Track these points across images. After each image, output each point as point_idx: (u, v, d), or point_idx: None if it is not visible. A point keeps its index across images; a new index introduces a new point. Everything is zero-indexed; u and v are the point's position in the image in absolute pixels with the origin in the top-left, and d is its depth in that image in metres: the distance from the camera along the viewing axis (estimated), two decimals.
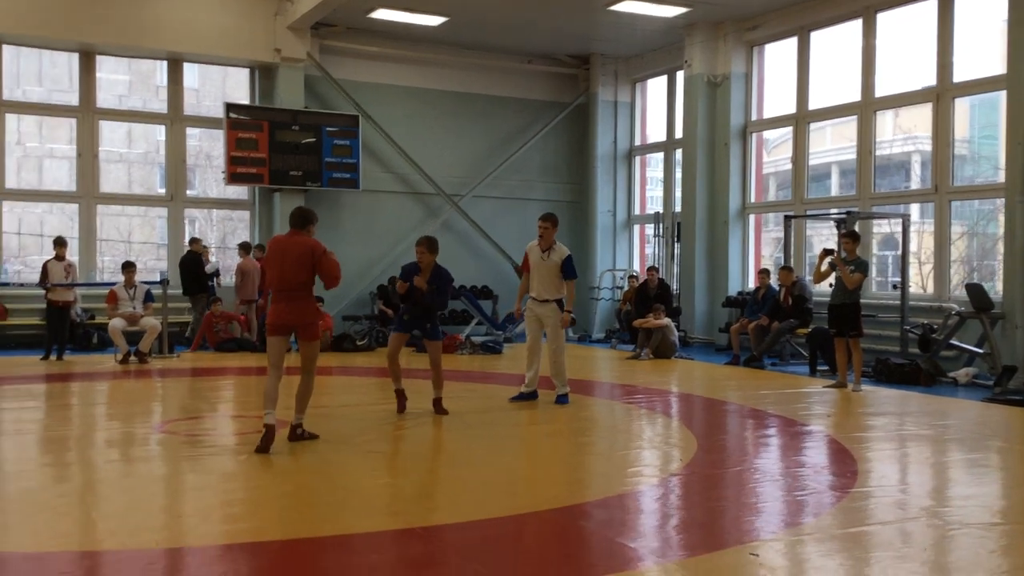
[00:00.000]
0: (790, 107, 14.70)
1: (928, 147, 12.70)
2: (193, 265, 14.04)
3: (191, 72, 17.65)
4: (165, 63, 15.63)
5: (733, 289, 15.27)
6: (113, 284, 12.73)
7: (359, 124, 15.64)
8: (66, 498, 5.26)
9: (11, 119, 15.87)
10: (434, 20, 14.99)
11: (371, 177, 16.00)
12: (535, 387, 8.87)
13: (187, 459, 6.40)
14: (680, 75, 16.28)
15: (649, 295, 14.25)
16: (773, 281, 13.00)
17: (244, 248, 14.45)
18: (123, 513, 4.95)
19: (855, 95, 13.57)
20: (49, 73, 20.90)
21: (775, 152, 17.69)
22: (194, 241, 14.40)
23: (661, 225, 16.96)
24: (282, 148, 14.99)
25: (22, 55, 19.50)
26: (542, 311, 8.72)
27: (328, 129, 15.37)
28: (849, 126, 13.85)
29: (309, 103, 15.56)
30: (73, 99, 15.08)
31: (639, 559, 4.21)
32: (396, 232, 16.41)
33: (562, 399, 8.74)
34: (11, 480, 5.75)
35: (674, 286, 15.95)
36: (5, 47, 14.51)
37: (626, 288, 16.20)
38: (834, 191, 16.92)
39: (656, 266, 15.62)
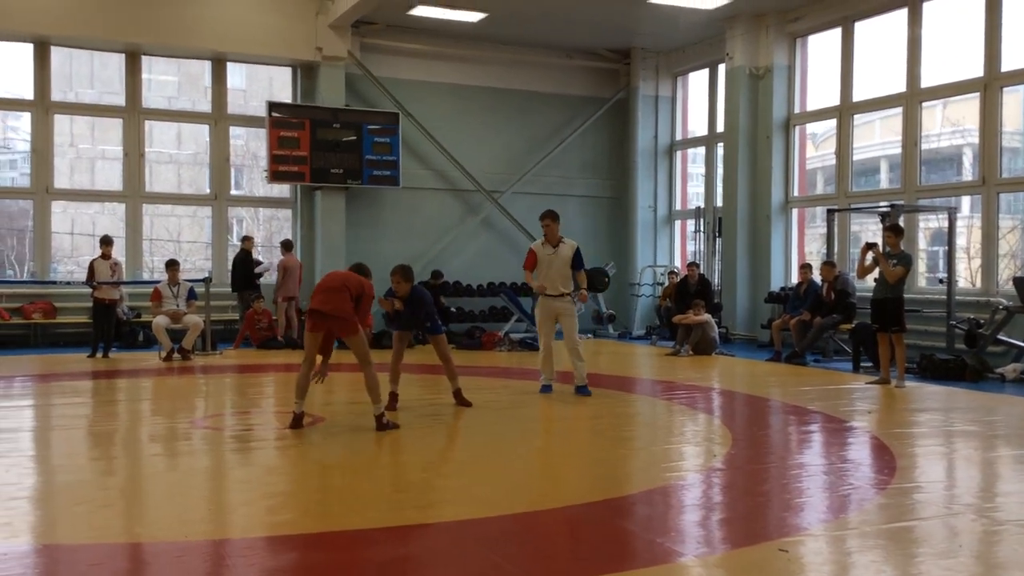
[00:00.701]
0: (834, 99, 14.48)
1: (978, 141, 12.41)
2: (244, 263, 14.24)
3: (238, 73, 17.85)
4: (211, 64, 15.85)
5: (775, 284, 15.09)
6: (157, 282, 12.96)
7: (399, 121, 15.73)
8: (107, 491, 5.35)
9: (64, 121, 16.22)
10: (474, 16, 15.01)
11: (411, 174, 16.08)
12: (551, 382, 9.11)
13: (226, 453, 6.50)
14: (722, 68, 16.12)
15: (689, 291, 14.14)
16: (815, 276, 12.81)
17: (286, 246, 14.61)
18: (160, 506, 5.04)
19: (900, 86, 13.33)
20: (100, 75, 21.25)
21: (823, 146, 17.42)
22: (246, 239, 14.58)
23: (702, 220, 16.82)
24: (323, 146, 15.14)
25: (74, 58, 19.87)
26: (558, 304, 8.91)
27: (369, 127, 15.48)
28: (897, 119, 13.60)
29: (350, 101, 15.68)
30: (122, 101, 15.34)
31: (669, 553, 4.18)
32: (436, 229, 16.49)
33: (582, 390, 8.81)
34: (55, 473, 5.89)
35: (715, 282, 15.81)
36: (55, 49, 14.84)
37: (666, 284, 16.10)
38: (883, 185, 16.63)
39: (696, 262, 15.48)
